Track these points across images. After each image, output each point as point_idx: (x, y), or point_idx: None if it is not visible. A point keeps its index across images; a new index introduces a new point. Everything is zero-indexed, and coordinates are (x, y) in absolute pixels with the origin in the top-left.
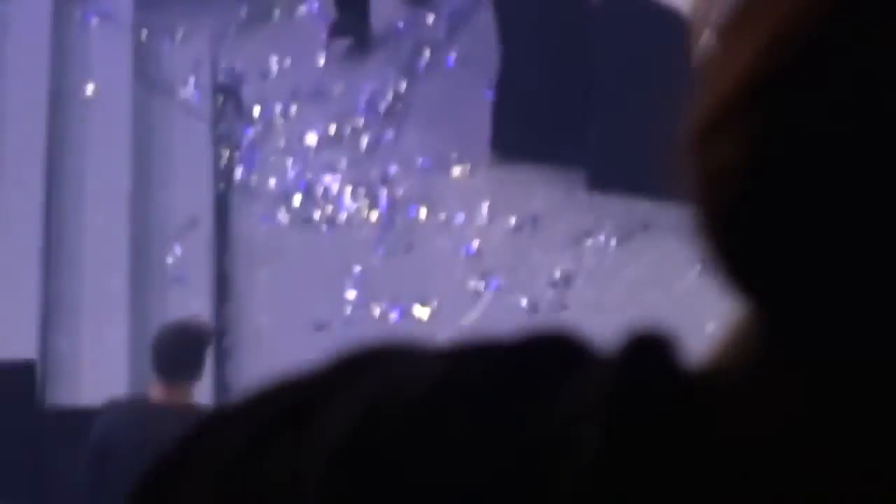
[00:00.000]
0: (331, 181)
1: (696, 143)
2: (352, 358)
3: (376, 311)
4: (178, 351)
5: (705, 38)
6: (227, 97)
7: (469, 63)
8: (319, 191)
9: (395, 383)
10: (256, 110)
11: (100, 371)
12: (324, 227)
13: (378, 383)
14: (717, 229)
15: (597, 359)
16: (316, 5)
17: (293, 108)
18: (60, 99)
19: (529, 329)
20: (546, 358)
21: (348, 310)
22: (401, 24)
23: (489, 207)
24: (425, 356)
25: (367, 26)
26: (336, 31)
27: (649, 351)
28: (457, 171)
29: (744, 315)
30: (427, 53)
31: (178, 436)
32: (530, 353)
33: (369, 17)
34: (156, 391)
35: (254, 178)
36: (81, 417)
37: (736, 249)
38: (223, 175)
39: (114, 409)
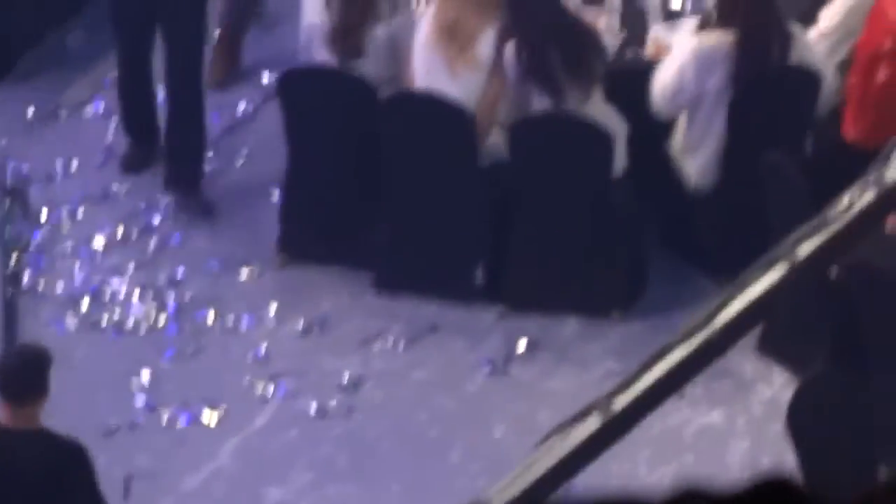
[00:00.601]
0: (118, 285)
1: None
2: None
3: (164, 417)
4: (24, 373)
5: (493, 136)
6: (14, 200)
7: (256, 164)
8: (107, 294)
9: None
10: (44, 213)
11: None
12: (111, 332)
13: None
14: None
15: None
16: (101, 106)
17: (80, 211)
18: None
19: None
20: None
21: (136, 416)
22: None
23: (277, 310)
24: None
25: (156, 141)
26: (127, 165)
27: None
28: (245, 273)
29: None
30: (212, 155)
31: (29, 458)
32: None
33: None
34: (2, 415)
35: (41, 283)
36: None
37: None
38: (10, 280)
39: None
